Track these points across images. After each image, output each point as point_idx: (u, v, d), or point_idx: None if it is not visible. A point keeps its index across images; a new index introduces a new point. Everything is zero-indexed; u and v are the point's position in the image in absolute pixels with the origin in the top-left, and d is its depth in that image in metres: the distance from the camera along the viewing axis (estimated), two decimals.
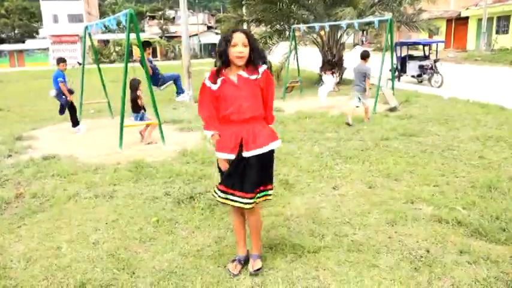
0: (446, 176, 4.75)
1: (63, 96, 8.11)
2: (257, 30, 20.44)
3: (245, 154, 2.72)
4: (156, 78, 7.60)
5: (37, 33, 56.79)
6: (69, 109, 8.26)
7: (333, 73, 11.82)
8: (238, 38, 2.62)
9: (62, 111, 8.37)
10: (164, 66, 32.78)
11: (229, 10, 17.69)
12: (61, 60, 8.28)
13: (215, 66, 2.80)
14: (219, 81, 2.72)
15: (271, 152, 2.82)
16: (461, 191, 4.26)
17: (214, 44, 45.69)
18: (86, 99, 9.40)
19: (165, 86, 7.85)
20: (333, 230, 3.46)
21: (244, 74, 2.72)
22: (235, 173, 2.76)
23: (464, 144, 6.08)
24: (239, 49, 2.62)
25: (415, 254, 3.04)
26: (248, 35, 2.67)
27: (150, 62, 7.54)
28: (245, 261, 2.98)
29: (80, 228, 3.74)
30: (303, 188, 4.53)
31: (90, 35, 9.13)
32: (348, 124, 7.76)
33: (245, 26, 19.45)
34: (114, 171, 5.31)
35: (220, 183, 2.85)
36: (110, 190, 4.64)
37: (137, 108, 7.09)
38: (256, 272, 2.87)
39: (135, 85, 7.02)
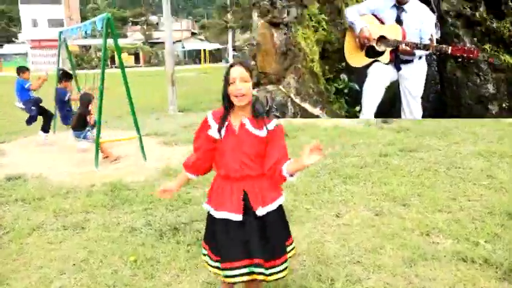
0: (458, 200, 4.31)
1: (32, 108, 7.52)
2: (243, 37, 20.04)
3: (260, 212, 2.16)
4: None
5: (16, 37, 55.16)
6: (45, 116, 7.78)
7: None
8: (236, 72, 2.07)
9: (30, 121, 7.80)
10: (147, 73, 32.10)
11: (215, 16, 17.22)
12: (24, 69, 7.62)
13: (223, 100, 2.17)
14: (223, 130, 2.16)
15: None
16: (478, 219, 3.82)
17: (199, 51, 45.05)
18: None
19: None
20: (342, 273, 2.95)
21: (248, 124, 2.15)
22: (252, 238, 2.14)
23: (468, 161, 5.70)
24: (237, 86, 2.05)
25: None
26: (249, 68, 2.11)
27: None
28: None
29: (42, 271, 3.14)
30: (302, 216, 4.02)
31: (65, 40, 8.49)
32: None
33: (230, 33, 19.01)
34: (87, 195, 4.70)
35: (228, 258, 2.14)
36: (81, 219, 4.04)
37: (82, 125, 6.44)
38: None
39: (86, 100, 6.41)
